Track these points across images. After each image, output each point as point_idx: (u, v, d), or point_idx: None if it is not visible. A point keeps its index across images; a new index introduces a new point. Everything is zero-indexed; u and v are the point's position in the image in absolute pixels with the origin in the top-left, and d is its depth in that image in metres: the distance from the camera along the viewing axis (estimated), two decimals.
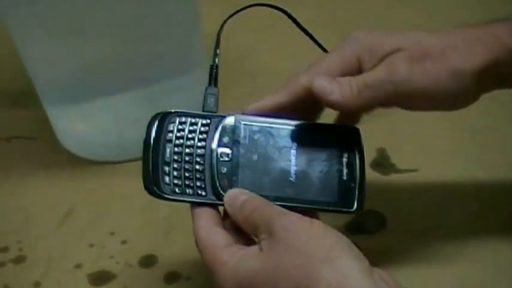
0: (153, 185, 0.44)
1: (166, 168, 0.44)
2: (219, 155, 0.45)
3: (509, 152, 0.67)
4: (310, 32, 0.52)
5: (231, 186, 0.44)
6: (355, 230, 0.59)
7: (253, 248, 0.41)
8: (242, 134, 0.46)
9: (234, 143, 0.46)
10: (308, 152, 0.46)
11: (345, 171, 0.46)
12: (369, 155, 0.66)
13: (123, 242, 0.59)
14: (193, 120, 0.46)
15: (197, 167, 0.45)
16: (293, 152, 0.46)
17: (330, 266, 0.37)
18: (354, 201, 0.46)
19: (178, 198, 0.44)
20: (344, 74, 0.46)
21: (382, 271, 0.38)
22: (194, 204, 0.44)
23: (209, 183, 0.44)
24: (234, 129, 0.46)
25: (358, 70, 0.47)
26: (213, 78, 0.49)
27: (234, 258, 0.40)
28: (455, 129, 0.70)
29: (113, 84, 0.62)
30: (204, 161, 0.45)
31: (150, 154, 0.45)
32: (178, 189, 0.44)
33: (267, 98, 0.47)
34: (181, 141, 0.45)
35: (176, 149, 0.45)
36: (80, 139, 0.68)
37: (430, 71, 0.45)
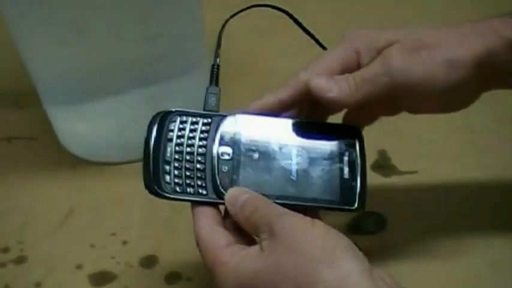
0: (153, 183, 0.44)
1: (167, 167, 0.44)
2: (220, 154, 0.45)
3: (508, 153, 0.67)
4: (311, 32, 0.53)
5: (232, 185, 0.44)
6: (355, 231, 0.59)
7: (254, 248, 0.40)
8: (243, 132, 0.46)
9: (235, 141, 0.46)
10: (309, 150, 0.47)
11: (346, 169, 0.46)
12: (370, 157, 0.67)
13: (124, 243, 0.59)
14: (194, 120, 0.46)
15: (198, 166, 0.45)
16: (294, 150, 0.46)
17: (330, 266, 0.37)
18: (355, 200, 0.46)
19: (179, 197, 0.44)
20: (344, 69, 0.47)
21: (382, 271, 0.38)
22: (195, 204, 0.44)
23: (210, 182, 0.44)
24: (235, 128, 0.46)
25: (357, 64, 0.47)
26: (215, 78, 0.49)
27: (235, 259, 0.40)
28: (455, 131, 0.70)
29: (114, 85, 0.62)
30: (205, 159, 0.45)
31: (151, 153, 0.45)
32: (179, 188, 0.44)
33: (268, 96, 0.47)
34: (182, 140, 0.45)
35: (177, 148, 0.45)
36: (81, 140, 0.68)
37: (425, 61, 0.45)
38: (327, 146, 0.47)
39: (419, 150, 0.68)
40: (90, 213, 0.63)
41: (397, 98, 0.47)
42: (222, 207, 0.45)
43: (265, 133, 0.46)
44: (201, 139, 0.45)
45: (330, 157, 0.47)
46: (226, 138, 0.46)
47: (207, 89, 0.48)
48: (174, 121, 0.46)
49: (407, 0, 0.93)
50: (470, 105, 0.49)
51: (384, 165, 0.66)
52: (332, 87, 0.45)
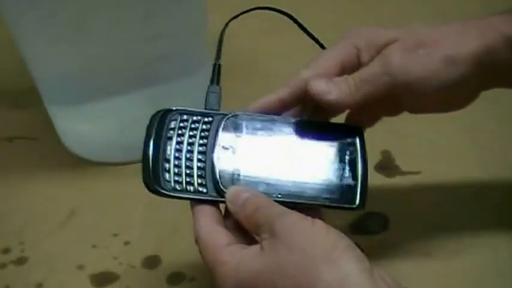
0: (153, 181, 0.44)
1: (167, 165, 0.44)
2: (220, 152, 0.45)
3: (510, 154, 0.67)
4: (313, 34, 0.52)
5: (232, 183, 0.44)
6: (358, 231, 0.59)
7: (254, 248, 0.40)
8: (244, 131, 0.46)
9: (236, 140, 0.46)
10: (310, 149, 0.47)
11: (347, 168, 0.46)
12: (374, 158, 0.67)
13: (126, 243, 0.59)
14: (195, 118, 0.46)
15: (198, 164, 0.45)
16: (295, 149, 0.46)
17: (330, 266, 0.37)
18: (355, 198, 0.46)
19: (178, 195, 0.44)
20: (344, 66, 0.47)
21: (383, 271, 0.38)
22: (195, 202, 0.44)
23: (210, 180, 0.44)
24: (236, 126, 0.46)
25: (357, 61, 0.47)
26: (216, 77, 0.49)
27: (235, 258, 0.40)
28: (457, 132, 0.70)
29: (115, 85, 0.62)
30: (206, 158, 0.45)
31: (151, 151, 0.45)
32: (179, 186, 0.44)
33: (269, 95, 0.48)
34: (183, 138, 0.45)
35: (177, 146, 0.45)
36: (83, 140, 0.68)
37: (424, 59, 0.45)
38: (328, 145, 0.47)
39: (423, 151, 0.68)
40: (92, 213, 0.63)
41: (397, 97, 0.47)
42: (222, 206, 0.44)
43: (265, 132, 0.46)
44: (201, 137, 0.45)
45: (331, 156, 0.46)
46: (227, 136, 0.46)
47: (208, 87, 0.48)
48: (175, 119, 0.46)
49: (409, 2, 0.93)
50: (470, 103, 0.49)
51: (387, 166, 0.66)
52: (331, 89, 0.45)
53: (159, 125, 0.45)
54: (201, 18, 0.64)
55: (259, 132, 0.46)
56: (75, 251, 0.59)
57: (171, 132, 0.45)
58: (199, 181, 0.44)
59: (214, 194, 0.44)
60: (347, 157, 0.47)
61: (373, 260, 0.38)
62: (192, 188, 0.44)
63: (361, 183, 0.46)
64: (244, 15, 0.50)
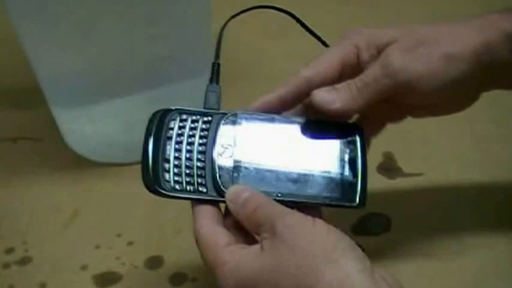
0: (152, 182, 0.44)
1: (167, 165, 0.44)
2: (220, 151, 0.45)
3: (510, 156, 0.67)
4: (316, 33, 0.53)
5: (232, 183, 0.44)
6: (360, 232, 0.59)
7: (255, 248, 0.40)
8: (244, 130, 0.46)
9: (236, 139, 0.46)
10: (310, 147, 0.47)
11: (347, 166, 0.46)
12: (376, 159, 0.67)
13: (129, 244, 0.60)
14: (194, 118, 0.46)
15: (198, 164, 0.45)
16: (295, 147, 0.46)
17: (331, 266, 0.37)
18: (356, 197, 0.46)
19: (178, 195, 0.44)
20: (344, 66, 0.47)
21: (384, 271, 0.38)
22: (195, 203, 0.44)
23: (210, 180, 0.44)
24: (236, 125, 0.46)
25: (357, 60, 0.47)
26: (215, 76, 0.49)
27: (235, 258, 0.40)
28: (459, 135, 0.70)
29: (120, 86, 0.62)
30: (205, 157, 0.45)
31: (150, 151, 0.45)
32: (179, 186, 0.44)
33: (269, 94, 0.48)
34: (182, 138, 0.45)
35: (177, 146, 0.45)
36: (86, 140, 0.68)
37: (423, 58, 0.45)
38: (328, 143, 0.47)
39: (424, 153, 0.68)
40: (95, 213, 0.63)
41: (399, 99, 0.47)
42: (222, 206, 0.44)
43: (265, 131, 0.46)
44: (201, 137, 0.45)
45: (331, 154, 0.46)
46: (227, 136, 0.46)
47: (208, 87, 0.48)
48: (174, 119, 0.46)
49: (411, 5, 0.93)
50: (471, 105, 0.50)
51: (389, 168, 0.66)
52: (335, 98, 0.45)
53: (158, 125, 0.45)
54: (205, 19, 0.64)
55: (259, 131, 0.46)
56: (79, 251, 0.59)
57: (171, 132, 0.45)
58: (199, 181, 0.44)
59: (214, 194, 0.44)
60: (347, 155, 0.47)
61: (375, 260, 0.38)
62: (192, 188, 0.44)
63: (361, 182, 0.46)
64: (246, 15, 0.50)
